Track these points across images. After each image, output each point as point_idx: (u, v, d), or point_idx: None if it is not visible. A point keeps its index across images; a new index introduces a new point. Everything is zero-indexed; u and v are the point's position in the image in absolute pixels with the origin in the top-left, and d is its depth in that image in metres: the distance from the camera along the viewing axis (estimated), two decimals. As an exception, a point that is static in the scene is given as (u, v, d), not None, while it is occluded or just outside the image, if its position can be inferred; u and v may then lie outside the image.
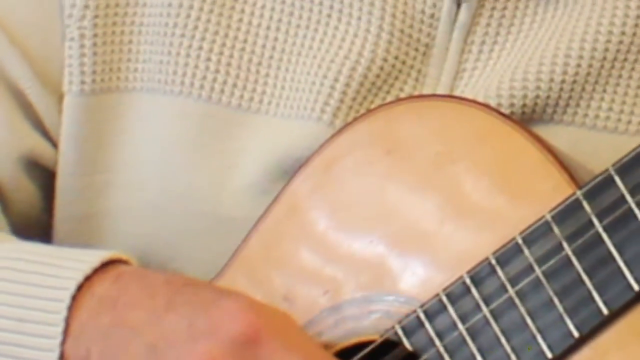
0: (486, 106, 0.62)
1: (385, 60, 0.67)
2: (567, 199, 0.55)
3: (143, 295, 0.59)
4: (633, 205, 0.55)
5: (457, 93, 0.68)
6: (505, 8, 0.68)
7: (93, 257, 0.61)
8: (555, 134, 0.66)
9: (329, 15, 0.69)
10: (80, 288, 0.59)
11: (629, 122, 0.68)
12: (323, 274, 0.61)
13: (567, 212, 0.56)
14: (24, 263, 0.63)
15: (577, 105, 0.67)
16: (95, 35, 0.71)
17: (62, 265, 0.62)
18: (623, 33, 0.67)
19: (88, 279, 0.60)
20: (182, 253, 0.68)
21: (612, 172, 0.56)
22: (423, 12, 0.68)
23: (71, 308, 0.59)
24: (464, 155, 0.60)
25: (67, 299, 0.59)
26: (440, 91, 0.68)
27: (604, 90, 0.68)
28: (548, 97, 0.67)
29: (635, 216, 0.55)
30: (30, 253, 0.64)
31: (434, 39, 0.68)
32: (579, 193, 0.55)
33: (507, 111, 0.65)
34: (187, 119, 0.69)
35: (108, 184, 0.70)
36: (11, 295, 0.62)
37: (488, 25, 0.68)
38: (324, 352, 0.59)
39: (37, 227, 0.72)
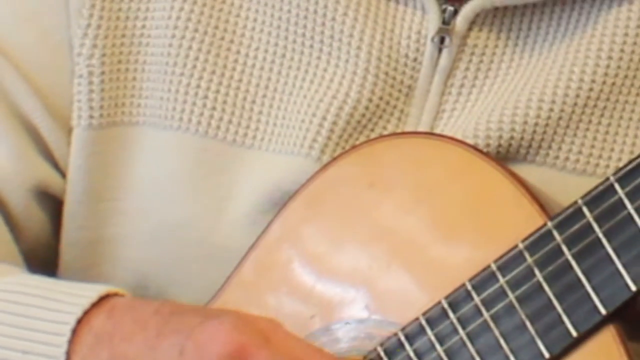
0: (463, 143, 0.65)
1: (370, 100, 0.70)
2: (538, 229, 0.58)
3: (136, 328, 0.61)
4: (600, 235, 0.58)
5: (436, 132, 0.70)
6: (483, 54, 0.71)
7: (91, 292, 0.64)
8: (527, 174, 0.67)
9: (319, 58, 0.71)
10: (79, 322, 0.62)
11: (597, 165, 0.70)
12: (310, 298, 0.63)
13: (539, 241, 0.58)
14: (26, 296, 0.65)
15: (549, 147, 0.69)
16: (102, 73, 0.73)
17: (62, 300, 0.64)
18: (593, 81, 0.69)
19: (86, 313, 0.62)
20: (180, 279, 0.71)
21: (581, 204, 0.58)
22: (407, 56, 0.70)
23: (71, 342, 0.62)
24: (442, 187, 0.63)
25: (68, 332, 0.61)
26: (421, 130, 0.70)
27: (575, 134, 0.70)
28: (522, 138, 0.69)
29: (602, 244, 0.57)
30: (32, 287, 0.66)
31: (416, 81, 0.71)
32: (549, 224, 0.58)
33: (483, 149, 0.67)
34: (185, 153, 0.72)
35: (112, 212, 0.72)
36: (15, 328, 0.64)
37: (467, 69, 0.71)
38: (315, 350, 0.61)
39: (45, 251, 0.74)
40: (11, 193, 0.73)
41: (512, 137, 0.69)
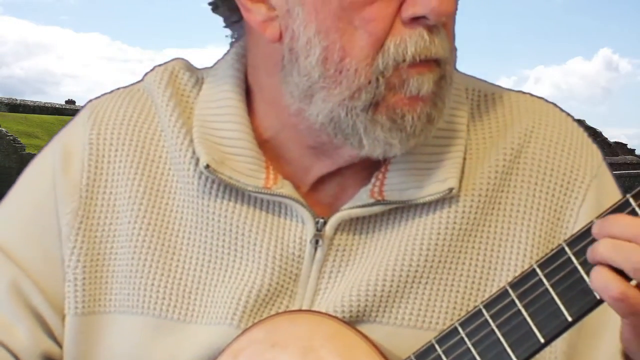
0: (332, 316, 0.79)
1: (270, 285, 0.82)
2: (472, 311, 0.72)
3: None
4: (523, 310, 0.70)
5: (315, 306, 0.81)
6: (344, 250, 0.83)
7: None
8: (374, 331, 0.79)
9: (234, 259, 0.83)
10: None
11: (424, 321, 0.81)
12: None
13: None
14: None
15: (390, 310, 0.81)
16: (84, 278, 0.86)
17: None
18: (418, 264, 0.81)
19: None
20: None
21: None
22: (293, 254, 0.83)
23: None
24: (321, 346, 0.77)
25: None
26: (305, 305, 0.82)
27: (407, 300, 0.81)
28: (371, 305, 0.81)
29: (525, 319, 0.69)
30: None
31: (300, 270, 0.83)
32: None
33: (346, 316, 0.79)
34: (145, 330, 0.84)
35: None
36: None
37: (334, 261, 0.83)
38: None
39: None
40: (28, 358, 0.86)
41: (365, 305, 0.80)
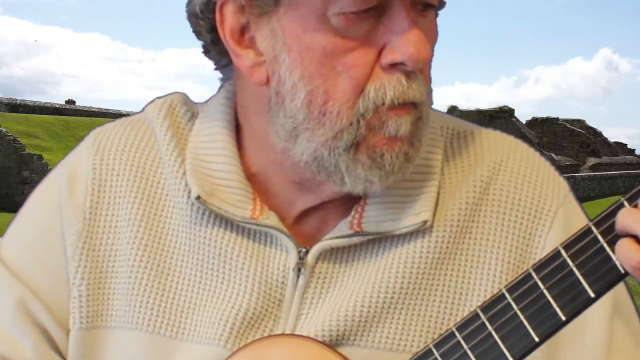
0: (314, 339, 0.81)
1: (255, 309, 0.85)
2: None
3: None
4: (493, 333, 0.73)
5: (298, 330, 0.84)
6: (325, 277, 0.86)
7: None
8: (353, 353, 0.82)
9: (222, 282, 0.86)
10: None
11: (404, 344, 0.84)
12: None
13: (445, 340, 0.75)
14: None
15: (368, 333, 0.83)
16: (87, 295, 0.90)
17: None
18: (394, 291, 0.84)
19: None
20: None
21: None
22: (277, 280, 0.86)
23: None
24: None
25: None
26: (288, 329, 0.84)
27: (384, 324, 0.84)
28: (350, 329, 0.83)
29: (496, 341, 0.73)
30: None
31: (284, 296, 0.85)
32: (453, 328, 0.75)
33: (327, 339, 0.82)
34: (140, 345, 0.87)
35: None
36: None
37: (315, 287, 0.86)
38: None
39: None
40: None
41: (345, 329, 0.83)
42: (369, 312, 0.84)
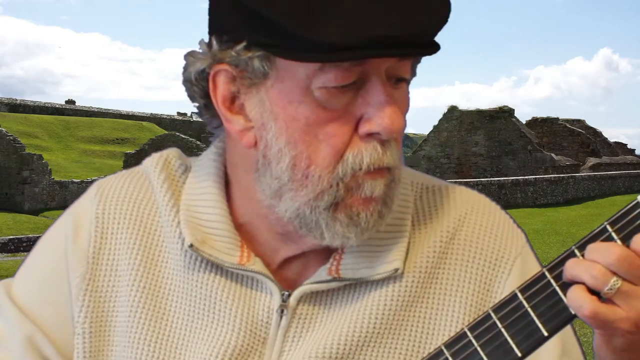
0: None
1: (242, 346, 0.90)
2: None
3: None
4: (481, 351, 0.77)
5: None
6: (306, 318, 0.91)
7: None
8: None
9: (212, 322, 0.91)
10: None
11: None
12: None
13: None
14: None
15: None
16: (90, 332, 0.95)
17: None
18: (368, 328, 0.89)
19: None
20: None
21: (466, 330, 0.78)
22: (262, 320, 0.91)
23: None
24: None
25: None
26: None
27: (365, 358, 0.89)
28: None
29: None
30: None
31: (268, 335, 0.90)
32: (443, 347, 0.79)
33: None
34: None
35: None
36: None
37: (297, 327, 0.90)
38: None
39: None
40: None
41: None
42: (344, 349, 0.89)
